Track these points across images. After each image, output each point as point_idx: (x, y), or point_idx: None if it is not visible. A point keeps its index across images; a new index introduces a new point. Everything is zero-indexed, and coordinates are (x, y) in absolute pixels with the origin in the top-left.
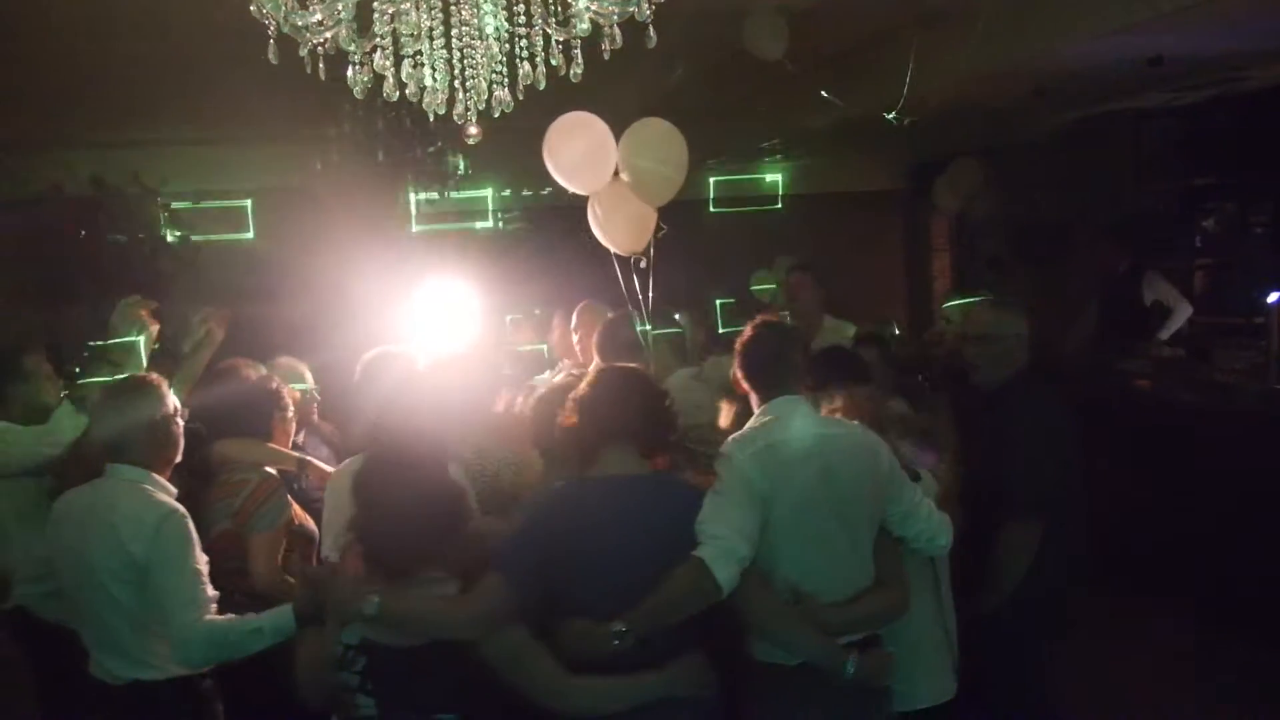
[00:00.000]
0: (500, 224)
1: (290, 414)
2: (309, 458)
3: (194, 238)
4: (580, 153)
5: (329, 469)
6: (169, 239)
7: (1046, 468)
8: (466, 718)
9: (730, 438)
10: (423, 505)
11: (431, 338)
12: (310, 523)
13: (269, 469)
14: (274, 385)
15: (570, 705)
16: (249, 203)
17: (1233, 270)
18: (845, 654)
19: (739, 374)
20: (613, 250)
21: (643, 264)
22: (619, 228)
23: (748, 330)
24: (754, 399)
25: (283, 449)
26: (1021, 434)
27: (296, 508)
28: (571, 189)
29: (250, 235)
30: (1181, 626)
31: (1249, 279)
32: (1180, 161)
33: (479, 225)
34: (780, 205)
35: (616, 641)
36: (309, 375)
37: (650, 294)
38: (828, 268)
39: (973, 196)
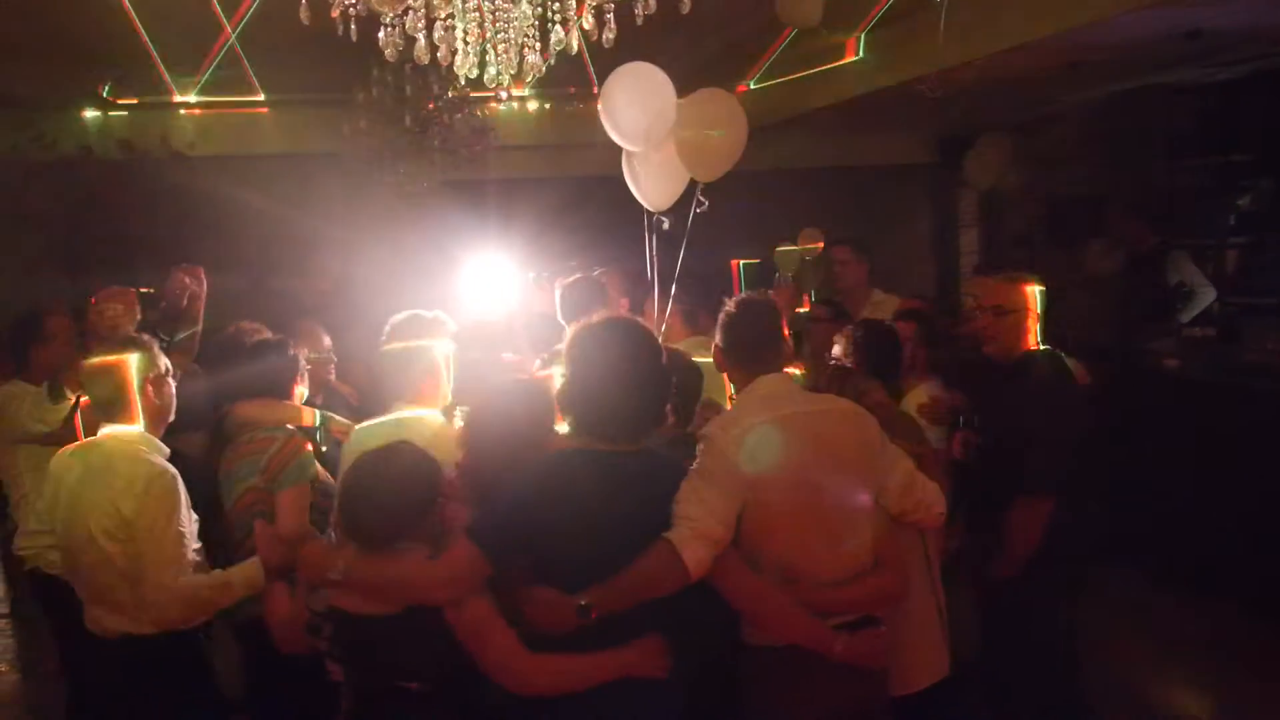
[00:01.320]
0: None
1: (304, 377)
2: (330, 414)
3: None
4: (643, 110)
5: (348, 423)
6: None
7: (1056, 445)
8: (435, 687)
9: (713, 419)
10: (403, 479)
11: (461, 301)
12: (331, 480)
13: (291, 426)
14: (289, 347)
15: (525, 681)
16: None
17: (1266, 249)
18: (834, 635)
19: (721, 352)
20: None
21: (665, 225)
22: (655, 181)
23: (730, 306)
24: (737, 377)
25: (301, 408)
26: (1032, 410)
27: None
28: (622, 142)
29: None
30: (1203, 609)
31: None
32: (1215, 138)
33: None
34: (806, 178)
35: (580, 614)
36: (327, 339)
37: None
38: (861, 240)
39: (1002, 172)
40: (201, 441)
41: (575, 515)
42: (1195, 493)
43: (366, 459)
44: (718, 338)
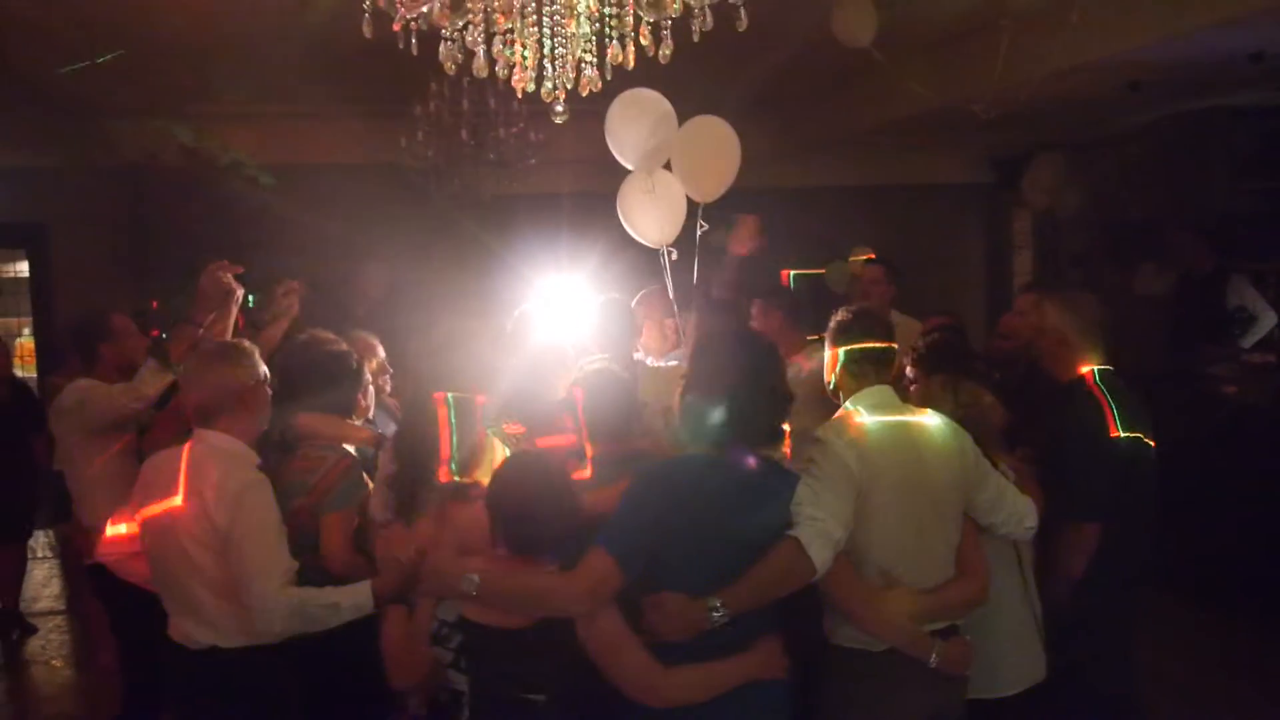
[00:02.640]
0: None
1: (369, 391)
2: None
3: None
4: (643, 132)
5: None
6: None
7: (1098, 472)
8: (558, 699)
9: (824, 424)
10: (553, 490)
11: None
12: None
13: (348, 447)
14: (357, 361)
15: (662, 698)
16: None
17: None
18: (931, 642)
19: (831, 361)
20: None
21: (673, 256)
22: (647, 217)
23: (842, 315)
24: (847, 385)
25: (362, 428)
26: (1074, 435)
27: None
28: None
29: None
30: (1264, 635)
31: None
32: (1277, 162)
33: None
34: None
35: (714, 617)
36: (381, 351)
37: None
38: (905, 261)
39: (1057, 192)
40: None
41: (700, 520)
42: (1253, 520)
43: (514, 469)
44: (829, 344)
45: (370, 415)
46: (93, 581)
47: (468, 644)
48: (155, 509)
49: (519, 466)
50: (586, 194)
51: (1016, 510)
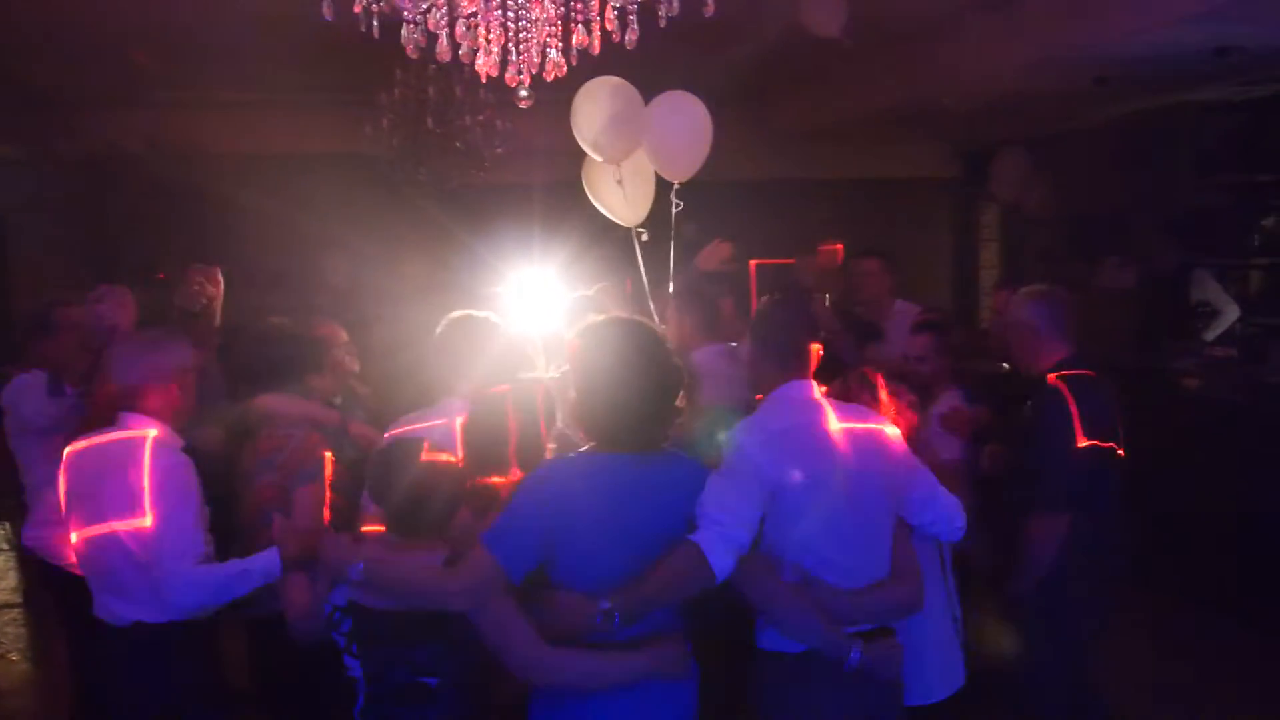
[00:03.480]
0: None
1: (333, 366)
2: (348, 416)
3: None
4: (606, 119)
5: (370, 429)
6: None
7: (1071, 463)
8: (452, 682)
9: (739, 422)
10: (434, 473)
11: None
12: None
13: (309, 425)
14: (317, 345)
15: (546, 678)
16: None
17: None
18: (850, 643)
19: (751, 349)
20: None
21: (643, 237)
22: (616, 196)
23: (764, 303)
24: (766, 380)
25: (322, 408)
26: (1048, 427)
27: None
28: (595, 156)
29: None
30: (1224, 629)
31: None
32: (1242, 157)
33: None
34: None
35: (600, 620)
36: (344, 336)
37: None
38: (889, 253)
39: (1023, 186)
40: (218, 435)
41: (593, 520)
42: (1215, 512)
43: (395, 451)
44: (750, 334)
45: (338, 400)
46: (43, 574)
47: (358, 628)
48: (76, 495)
49: (400, 448)
50: (559, 184)
51: (947, 510)
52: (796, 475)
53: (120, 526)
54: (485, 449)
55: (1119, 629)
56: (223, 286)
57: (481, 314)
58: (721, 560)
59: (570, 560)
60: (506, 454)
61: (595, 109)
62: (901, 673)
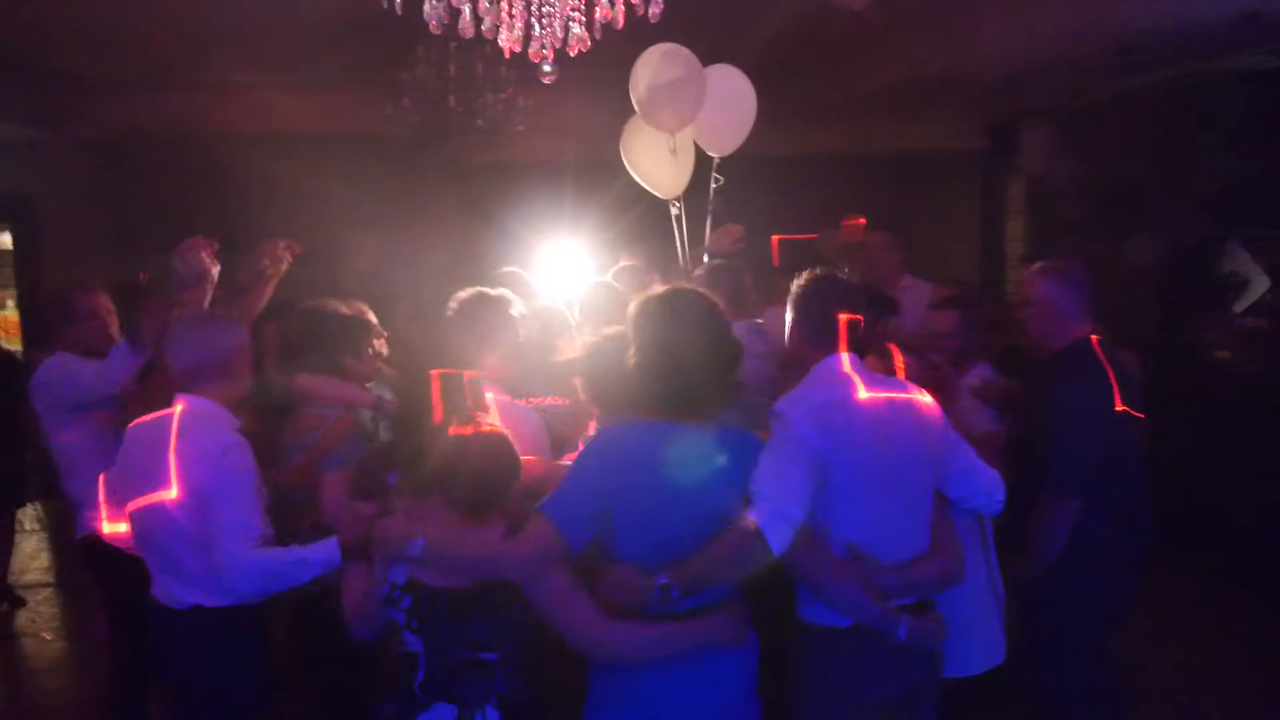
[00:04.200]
0: None
1: (372, 350)
2: (385, 396)
3: None
4: (669, 86)
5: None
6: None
7: (1083, 447)
8: (510, 656)
9: (783, 396)
10: (499, 453)
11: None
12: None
13: (345, 407)
14: (361, 326)
15: (605, 651)
16: None
17: None
18: (899, 617)
19: (792, 326)
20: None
21: (674, 210)
22: (660, 168)
23: (804, 280)
24: (806, 354)
25: (362, 390)
26: (1060, 410)
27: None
28: (653, 123)
29: None
30: (1251, 608)
31: None
32: (1272, 127)
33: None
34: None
35: (657, 595)
36: (373, 317)
37: (687, 244)
38: (899, 228)
39: (1049, 159)
40: (246, 415)
41: (652, 489)
42: (1248, 488)
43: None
44: (790, 310)
45: (369, 382)
46: (83, 554)
47: (418, 605)
48: (135, 475)
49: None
50: (583, 163)
51: (987, 483)
52: (845, 449)
53: (175, 507)
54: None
55: (1145, 611)
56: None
57: (495, 291)
58: (778, 537)
59: (626, 529)
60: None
61: (659, 75)
62: (942, 645)
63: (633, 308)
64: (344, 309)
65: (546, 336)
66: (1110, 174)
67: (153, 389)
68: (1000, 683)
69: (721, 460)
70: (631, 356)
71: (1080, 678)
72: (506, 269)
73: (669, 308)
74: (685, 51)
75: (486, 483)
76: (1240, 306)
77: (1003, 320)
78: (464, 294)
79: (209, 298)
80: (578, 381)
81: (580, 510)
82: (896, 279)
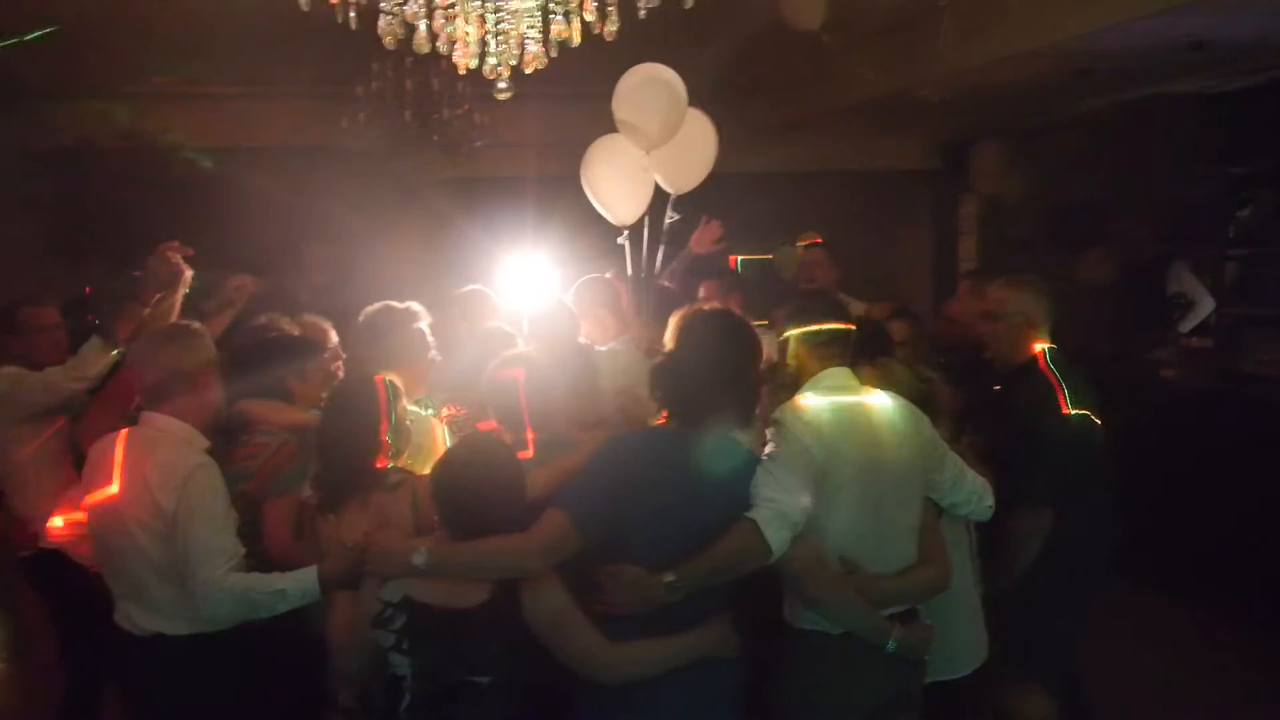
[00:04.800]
0: None
1: (315, 367)
2: None
3: None
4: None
5: None
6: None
7: (1056, 457)
8: (506, 680)
9: (782, 405)
10: (499, 475)
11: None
12: None
13: (289, 432)
14: (307, 345)
15: (609, 674)
16: None
17: (1266, 261)
18: (890, 627)
19: (793, 341)
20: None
21: (619, 240)
22: (617, 193)
23: (803, 300)
24: (808, 367)
25: (302, 413)
26: (1033, 421)
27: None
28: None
29: None
30: (1202, 618)
31: None
32: (1218, 150)
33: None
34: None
35: (668, 591)
36: (333, 335)
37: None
38: (853, 247)
39: (1001, 178)
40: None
41: (656, 492)
42: (1192, 501)
43: (461, 454)
44: (788, 328)
45: (323, 399)
46: (28, 572)
47: (411, 625)
48: (99, 495)
49: (466, 451)
50: (545, 177)
51: (976, 489)
52: (841, 458)
53: (141, 531)
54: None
55: (1098, 621)
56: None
57: (401, 305)
58: (777, 536)
59: (634, 533)
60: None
61: (652, 93)
62: (928, 652)
63: (676, 319)
64: (289, 328)
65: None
66: (1062, 193)
67: (107, 401)
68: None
69: (729, 472)
70: (663, 364)
71: (1048, 684)
72: (470, 287)
73: (703, 326)
74: (671, 70)
75: (480, 508)
76: (1187, 326)
77: (947, 335)
78: (371, 307)
79: (178, 306)
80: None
81: (598, 509)
82: (834, 295)
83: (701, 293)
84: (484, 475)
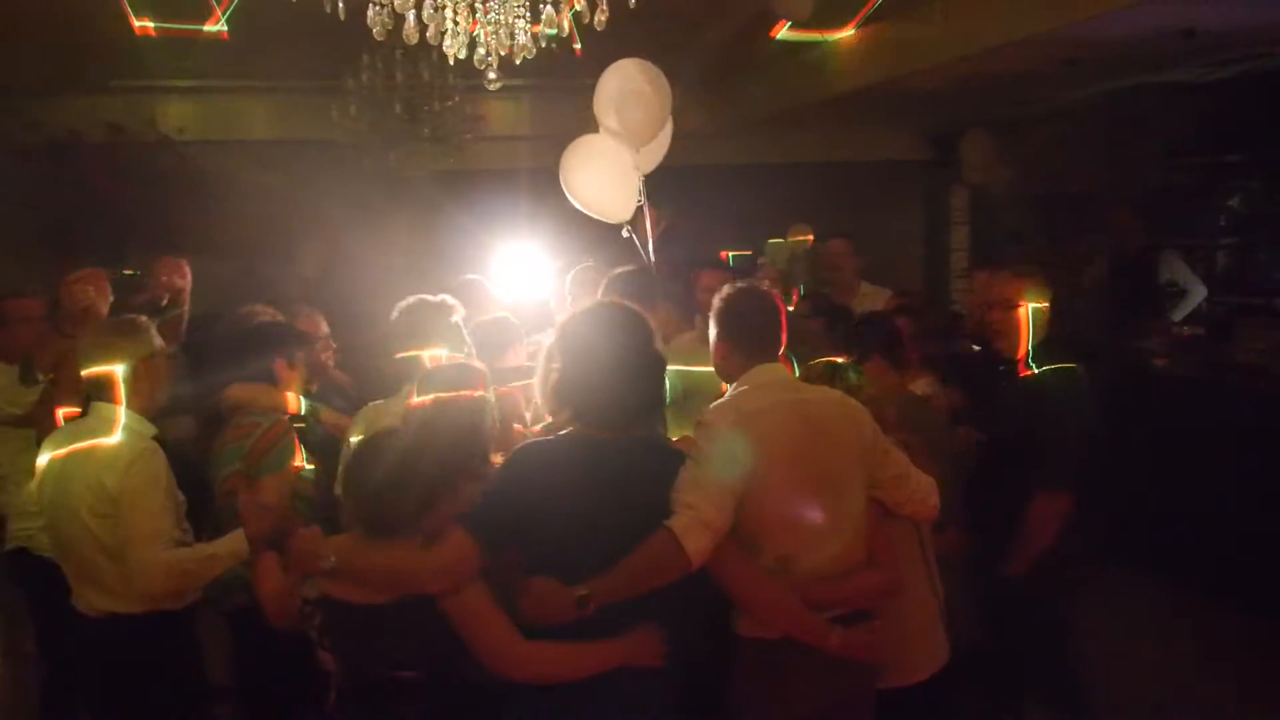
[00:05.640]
0: None
1: (301, 355)
2: (320, 404)
3: None
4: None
5: (343, 417)
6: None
7: (1075, 441)
8: (428, 676)
9: (711, 405)
10: (408, 471)
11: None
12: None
13: (278, 413)
14: (292, 333)
15: (521, 671)
16: None
17: (1256, 250)
18: (829, 628)
19: (717, 340)
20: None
21: (625, 234)
22: (607, 193)
23: (726, 293)
24: (734, 365)
25: (289, 395)
26: (1052, 407)
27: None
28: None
29: None
30: (1194, 606)
31: (1273, 259)
32: (1208, 138)
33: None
34: (798, 173)
35: (581, 604)
36: (324, 325)
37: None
38: (856, 236)
39: (991, 168)
40: (191, 425)
41: (570, 503)
42: (1186, 490)
43: (370, 442)
44: (714, 325)
45: (314, 388)
46: (12, 566)
47: (330, 622)
48: (53, 479)
49: (371, 448)
50: (539, 169)
51: (920, 488)
52: (773, 457)
53: (89, 514)
54: None
55: (1088, 606)
56: (190, 278)
57: (435, 299)
58: (696, 544)
59: (546, 544)
60: None
61: (637, 90)
62: (880, 655)
63: (559, 321)
64: (273, 315)
65: (485, 349)
66: (1052, 183)
67: (69, 390)
68: (945, 687)
69: (645, 474)
70: (556, 369)
71: (1048, 670)
72: (468, 277)
73: (591, 322)
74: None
75: (394, 506)
76: (1179, 315)
77: (947, 328)
78: (404, 301)
79: (186, 310)
80: None
81: (502, 523)
82: (855, 286)
83: (702, 282)
84: (388, 472)
